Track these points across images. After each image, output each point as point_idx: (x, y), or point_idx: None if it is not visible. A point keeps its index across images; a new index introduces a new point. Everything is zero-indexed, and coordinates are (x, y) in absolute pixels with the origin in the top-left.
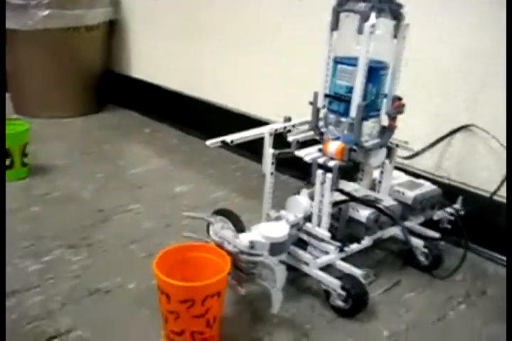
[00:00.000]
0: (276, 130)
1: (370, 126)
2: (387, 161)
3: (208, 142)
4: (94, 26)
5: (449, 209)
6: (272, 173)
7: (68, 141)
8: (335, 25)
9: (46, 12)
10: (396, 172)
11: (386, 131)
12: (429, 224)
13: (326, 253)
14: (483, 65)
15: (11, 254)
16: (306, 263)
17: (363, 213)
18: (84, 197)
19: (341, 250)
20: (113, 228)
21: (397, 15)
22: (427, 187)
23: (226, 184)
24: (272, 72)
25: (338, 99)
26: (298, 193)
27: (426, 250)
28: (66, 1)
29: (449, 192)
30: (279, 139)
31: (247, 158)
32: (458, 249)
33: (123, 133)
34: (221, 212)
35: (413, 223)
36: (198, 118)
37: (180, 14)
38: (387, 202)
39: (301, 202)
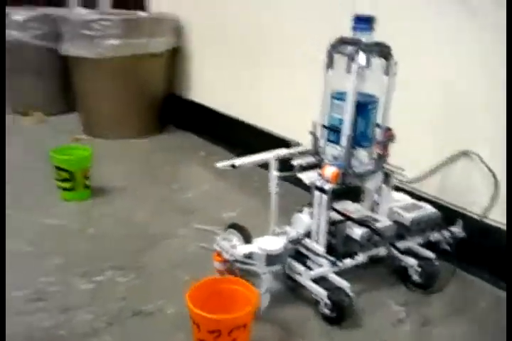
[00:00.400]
0: (280, 155)
1: (362, 154)
2: (384, 185)
3: (219, 164)
4: (158, 53)
5: (445, 232)
6: (276, 193)
7: (129, 163)
8: (330, 65)
9: (114, 41)
10: (400, 195)
11: (379, 158)
12: (431, 244)
13: (321, 266)
14: (485, 91)
15: (67, 273)
16: (300, 274)
17: (357, 232)
18: (137, 220)
19: (334, 264)
20: (161, 252)
21: (386, 55)
22: (427, 209)
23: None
24: None
25: (333, 130)
26: (301, 211)
27: (419, 269)
28: (132, 31)
29: (451, 215)
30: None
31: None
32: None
33: (180, 155)
34: (233, 226)
35: (411, 243)
36: (252, 143)
37: (236, 42)
38: (383, 222)
39: (302, 220)
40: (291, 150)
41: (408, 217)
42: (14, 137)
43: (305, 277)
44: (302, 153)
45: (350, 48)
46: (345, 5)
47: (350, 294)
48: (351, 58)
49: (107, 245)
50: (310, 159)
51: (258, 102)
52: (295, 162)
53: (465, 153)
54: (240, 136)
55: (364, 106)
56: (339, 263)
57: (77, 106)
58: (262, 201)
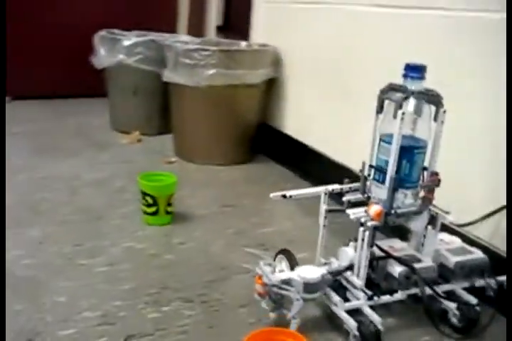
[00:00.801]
0: (332, 190)
1: (408, 195)
2: (429, 227)
3: (271, 195)
4: (254, 84)
5: (491, 279)
6: (324, 226)
7: (213, 190)
8: (379, 109)
9: (212, 71)
10: (451, 238)
11: (423, 201)
12: (476, 290)
13: (358, 299)
14: None
15: (137, 298)
16: (336, 305)
17: (397, 269)
18: (212, 250)
19: (370, 298)
20: (231, 287)
21: (435, 102)
22: (475, 254)
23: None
24: None
25: (379, 170)
26: (347, 245)
27: (458, 312)
28: (231, 62)
29: (502, 262)
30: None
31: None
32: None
33: (266, 187)
34: (283, 252)
35: (455, 287)
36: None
37: (331, 76)
38: (425, 263)
39: (347, 253)
40: (343, 186)
41: (453, 260)
42: (109, 154)
43: (340, 307)
44: (353, 190)
45: (397, 95)
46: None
47: (380, 328)
48: (398, 105)
49: (180, 274)
50: (359, 196)
51: (348, 141)
52: (345, 198)
53: None
54: (330, 174)
55: (409, 150)
56: (375, 298)
57: (172, 128)
58: (339, 244)
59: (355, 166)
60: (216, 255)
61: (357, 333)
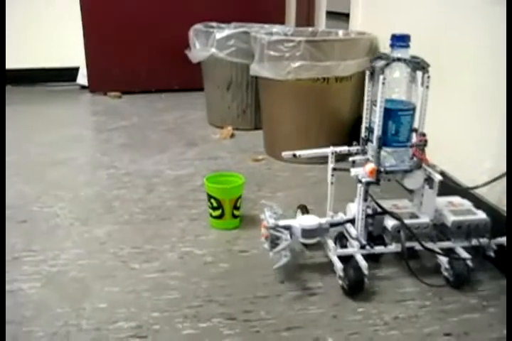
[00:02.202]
0: (338, 151)
1: (399, 154)
2: (427, 187)
3: (283, 153)
4: (346, 77)
5: (492, 240)
6: (332, 183)
7: (296, 192)
8: (370, 77)
9: (298, 63)
10: (461, 201)
11: (413, 160)
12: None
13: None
14: None
15: (177, 311)
16: (330, 250)
17: (390, 223)
18: (273, 263)
19: (362, 247)
20: (281, 307)
21: (420, 68)
22: (477, 215)
23: None
24: None
25: (372, 132)
26: (353, 201)
27: (448, 266)
28: (320, 54)
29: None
30: None
31: None
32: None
33: (350, 190)
34: (300, 207)
35: (454, 245)
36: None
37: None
38: (419, 220)
39: (351, 208)
40: (350, 148)
41: (451, 219)
42: (198, 150)
43: (333, 253)
44: (359, 152)
45: (380, 62)
46: None
47: (365, 272)
48: (380, 71)
49: (231, 285)
50: (362, 157)
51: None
52: (351, 158)
53: None
54: None
55: (394, 112)
56: (368, 247)
57: (262, 124)
58: None
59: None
60: (278, 267)
61: (342, 273)
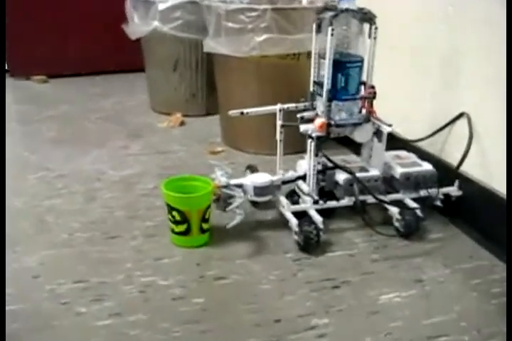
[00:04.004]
0: (286, 108)
1: (349, 107)
2: (376, 140)
3: (230, 112)
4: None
5: (439, 190)
6: (281, 140)
7: None
8: (317, 29)
9: (264, 37)
10: (407, 154)
11: (362, 112)
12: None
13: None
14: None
15: None
16: (283, 207)
17: (341, 177)
18: (264, 293)
19: (315, 202)
20: None
21: (368, 19)
22: (423, 167)
23: None
24: None
25: (320, 85)
26: (304, 158)
27: (400, 217)
28: (289, 25)
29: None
30: None
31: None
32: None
33: None
34: (249, 167)
35: (403, 196)
36: None
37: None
38: (370, 173)
39: (301, 165)
40: (297, 104)
41: (399, 171)
42: (144, 142)
43: (286, 209)
44: (307, 108)
45: (328, 13)
46: None
47: (320, 226)
48: (329, 22)
49: (210, 331)
50: (311, 113)
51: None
52: (299, 115)
53: (461, 115)
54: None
55: (343, 64)
56: (320, 202)
57: (219, 110)
58: None
59: None
60: (270, 298)
61: (297, 229)
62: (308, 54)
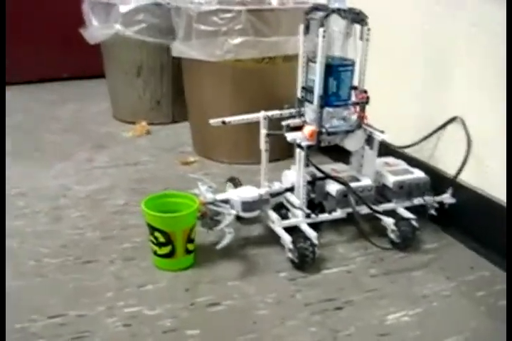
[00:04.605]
0: (271, 115)
1: (340, 113)
2: (367, 147)
3: (211, 121)
4: (295, 56)
5: (433, 197)
6: (266, 150)
7: None
8: (306, 30)
9: (239, 40)
10: (396, 161)
11: (354, 119)
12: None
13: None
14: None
15: None
16: (273, 222)
17: (334, 188)
18: (263, 319)
19: (307, 216)
20: None
21: (359, 20)
22: (415, 174)
23: None
24: None
25: (310, 91)
26: (289, 169)
27: (395, 228)
28: (265, 27)
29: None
30: None
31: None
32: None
33: None
34: (231, 180)
35: (397, 205)
36: None
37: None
38: (363, 182)
39: (288, 176)
40: (282, 112)
41: (391, 179)
42: (109, 153)
43: (277, 224)
44: (292, 116)
45: (319, 14)
46: None
47: (315, 242)
48: (320, 23)
49: None
50: (298, 120)
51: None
52: (284, 122)
53: (453, 119)
54: None
55: (335, 68)
56: (313, 216)
57: (189, 117)
58: None
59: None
60: (270, 324)
61: (291, 246)
62: (285, 57)
